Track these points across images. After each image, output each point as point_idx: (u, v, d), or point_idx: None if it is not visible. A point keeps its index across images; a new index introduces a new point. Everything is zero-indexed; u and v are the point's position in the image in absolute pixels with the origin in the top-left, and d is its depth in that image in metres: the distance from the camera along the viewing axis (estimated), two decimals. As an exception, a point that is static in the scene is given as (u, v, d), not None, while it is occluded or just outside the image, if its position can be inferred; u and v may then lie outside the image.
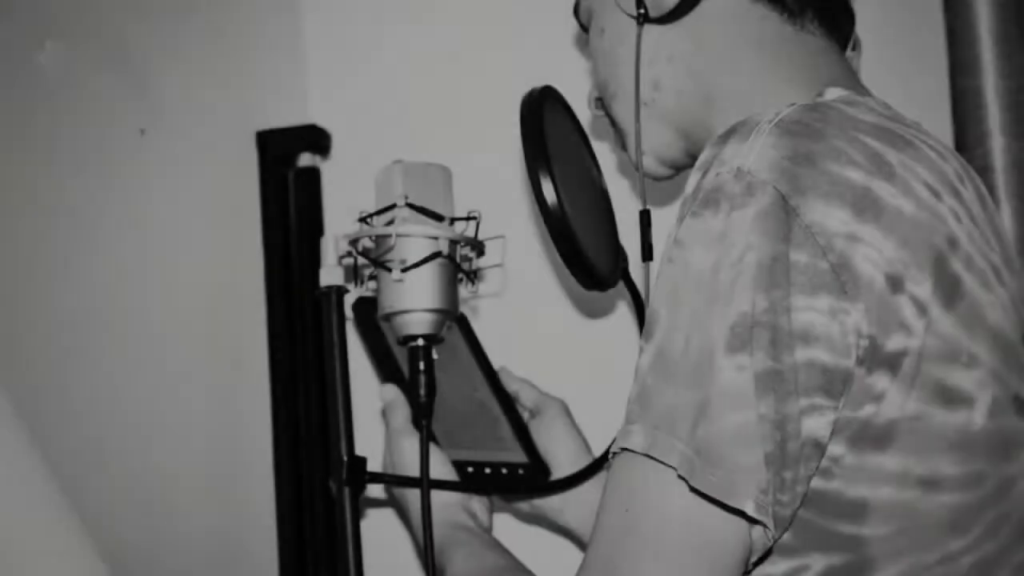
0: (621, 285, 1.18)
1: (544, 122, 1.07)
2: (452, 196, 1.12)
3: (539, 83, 1.12)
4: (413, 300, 1.08)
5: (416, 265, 1.07)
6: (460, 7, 1.51)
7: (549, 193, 1.05)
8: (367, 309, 1.22)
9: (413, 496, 1.15)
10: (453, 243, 1.09)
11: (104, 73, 1.18)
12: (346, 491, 1.08)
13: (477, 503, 1.19)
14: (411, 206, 1.08)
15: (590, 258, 1.08)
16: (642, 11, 1.01)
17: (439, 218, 1.09)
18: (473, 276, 1.12)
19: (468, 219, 1.11)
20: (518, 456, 1.25)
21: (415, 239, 1.07)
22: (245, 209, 1.41)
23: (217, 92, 1.37)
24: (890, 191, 0.83)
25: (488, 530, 1.18)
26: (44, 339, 1.08)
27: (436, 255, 1.07)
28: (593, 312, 1.44)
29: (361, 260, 1.10)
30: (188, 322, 1.28)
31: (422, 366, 1.09)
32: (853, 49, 1.05)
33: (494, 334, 1.35)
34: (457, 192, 1.13)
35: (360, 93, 1.52)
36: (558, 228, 1.05)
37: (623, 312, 1.43)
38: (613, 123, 1.11)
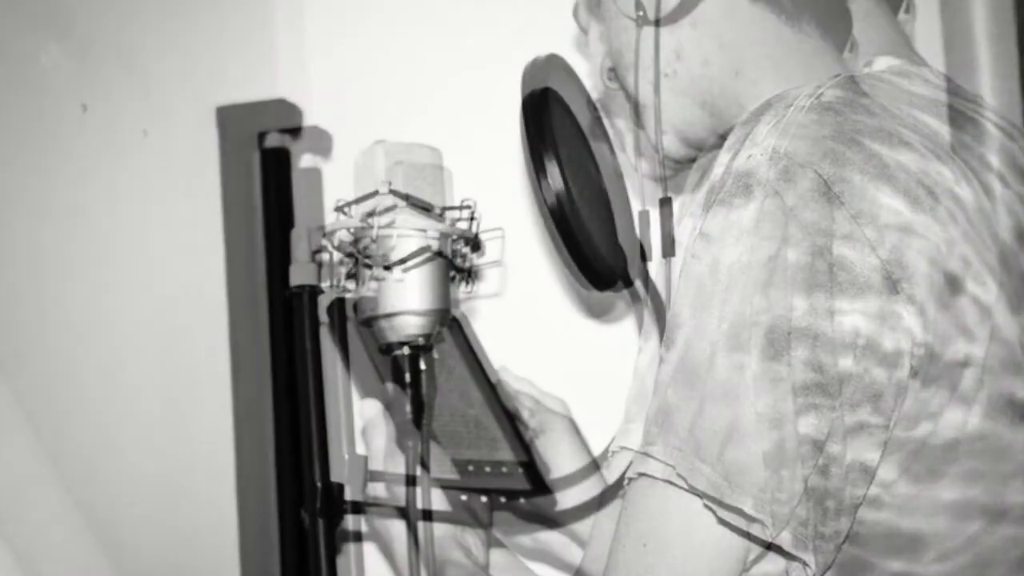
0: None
1: (549, 98, 1.07)
2: (443, 183, 1.12)
3: (543, 52, 1.12)
4: (399, 302, 1.08)
5: (402, 261, 1.07)
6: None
7: (554, 180, 1.05)
8: (344, 312, 1.22)
9: (398, 529, 1.15)
10: (445, 237, 1.09)
11: (41, 40, 1.18)
12: (320, 523, 1.08)
13: (472, 537, 1.19)
14: (396, 194, 1.08)
15: (600, 254, 1.08)
16: (662, -31, 1.01)
17: (428, 208, 1.09)
18: (468, 274, 1.12)
19: (462, 209, 1.11)
20: (520, 483, 1.25)
21: (401, 232, 1.07)
22: (204, 196, 1.41)
23: (171, 61, 1.37)
24: (949, 176, 0.84)
25: (484, 567, 1.18)
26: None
27: (425, 250, 1.07)
28: (602, 313, 1.44)
29: (338, 256, 1.10)
30: (139, 327, 1.27)
31: (408, 378, 1.09)
32: (907, 12, 1.05)
33: (492, 339, 1.35)
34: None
35: (337, 63, 1.52)
36: (563, 221, 1.05)
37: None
38: (629, 97, 1.11)
